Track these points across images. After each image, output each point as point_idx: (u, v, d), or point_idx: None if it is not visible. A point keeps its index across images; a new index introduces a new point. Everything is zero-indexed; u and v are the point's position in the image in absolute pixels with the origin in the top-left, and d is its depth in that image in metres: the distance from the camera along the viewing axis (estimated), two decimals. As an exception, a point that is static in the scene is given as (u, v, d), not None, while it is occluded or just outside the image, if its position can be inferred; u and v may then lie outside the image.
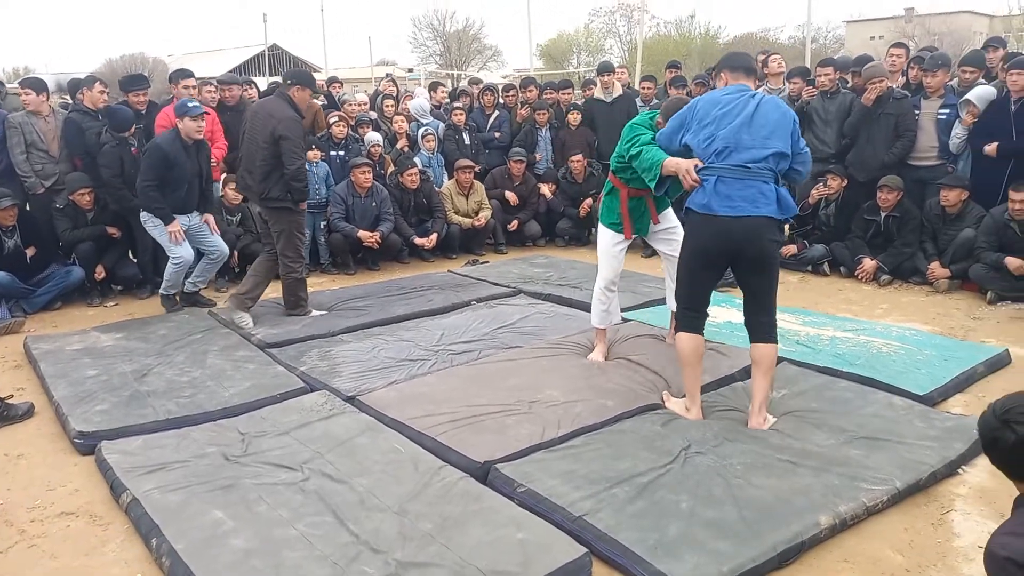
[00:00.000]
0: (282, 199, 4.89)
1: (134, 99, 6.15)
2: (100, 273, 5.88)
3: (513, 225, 7.58)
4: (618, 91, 7.85)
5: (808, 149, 3.30)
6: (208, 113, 5.91)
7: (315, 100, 8.06)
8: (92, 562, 2.61)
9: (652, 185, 3.52)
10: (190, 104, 5.37)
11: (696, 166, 3.20)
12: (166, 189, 5.27)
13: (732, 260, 3.25)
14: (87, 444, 3.38)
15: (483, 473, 2.98)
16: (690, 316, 3.38)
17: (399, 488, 2.85)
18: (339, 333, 4.81)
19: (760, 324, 3.26)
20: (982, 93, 5.71)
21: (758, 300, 3.26)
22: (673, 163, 3.30)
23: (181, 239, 5.34)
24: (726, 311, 4.96)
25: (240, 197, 6.35)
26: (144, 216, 5.39)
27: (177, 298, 5.61)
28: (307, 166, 6.66)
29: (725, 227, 3.11)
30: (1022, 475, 1.93)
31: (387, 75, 11.46)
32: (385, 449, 3.18)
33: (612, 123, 7.53)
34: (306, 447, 3.22)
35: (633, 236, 4.06)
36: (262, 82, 9.08)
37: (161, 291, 5.55)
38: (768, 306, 3.26)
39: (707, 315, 3.41)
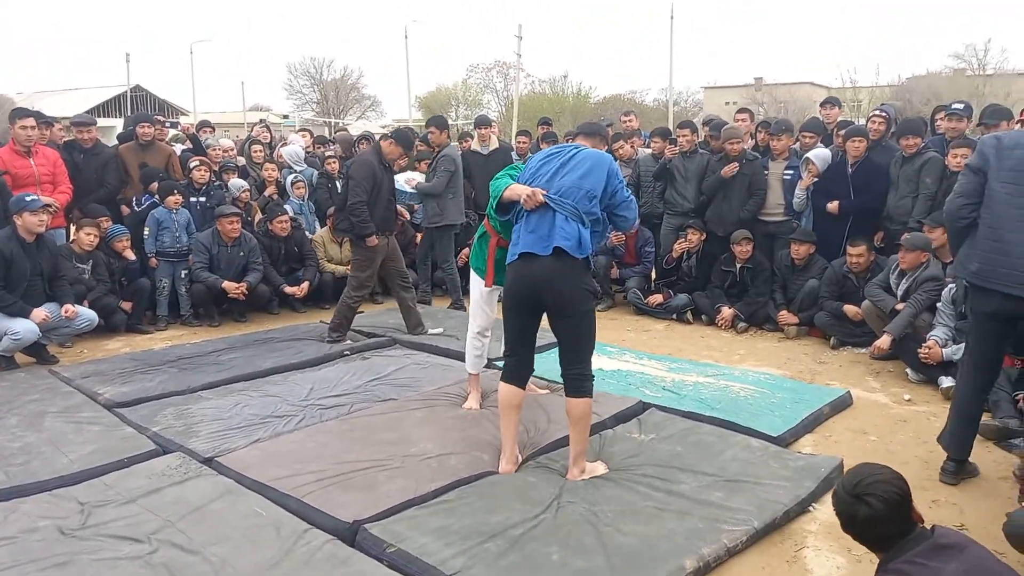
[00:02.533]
0: (347, 230, 5.54)
1: None
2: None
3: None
4: (494, 144, 8.02)
5: (632, 196, 3.50)
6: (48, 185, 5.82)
7: (171, 144, 7.74)
8: None
9: (493, 206, 3.57)
10: (28, 199, 5.08)
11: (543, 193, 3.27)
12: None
13: (539, 304, 3.33)
14: None
15: (351, 534, 2.86)
16: (511, 364, 3.45)
17: (258, 555, 2.68)
18: (199, 389, 4.52)
19: (569, 376, 3.31)
20: (820, 153, 6.29)
21: (565, 349, 3.33)
22: (520, 188, 3.35)
23: (49, 318, 5.06)
24: (596, 358, 5.07)
25: (94, 244, 5.92)
26: None
27: (12, 356, 5.11)
28: (167, 213, 6.36)
29: (527, 269, 3.26)
30: (880, 546, 2.05)
31: (261, 121, 11.18)
32: (245, 513, 2.98)
33: (488, 175, 7.53)
34: (155, 516, 2.97)
35: (494, 286, 4.01)
36: (119, 123, 8.61)
37: (-7, 349, 5.04)
38: (575, 357, 3.29)
39: (530, 367, 3.52)
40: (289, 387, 4.59)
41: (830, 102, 7.71)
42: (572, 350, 3.31)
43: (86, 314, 5.41)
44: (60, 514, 2.99)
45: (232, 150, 8.10)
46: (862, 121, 7.19)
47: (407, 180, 6.82)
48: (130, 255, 6.22)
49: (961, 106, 6.08)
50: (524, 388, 3.48)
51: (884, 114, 6.39)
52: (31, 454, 3.58)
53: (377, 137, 9.36)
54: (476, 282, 4.14)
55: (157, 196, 6.47)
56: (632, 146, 7.60)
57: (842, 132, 6.44)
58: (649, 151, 7.37)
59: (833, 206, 6.03)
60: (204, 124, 9.06)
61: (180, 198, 6.47)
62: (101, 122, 7.27)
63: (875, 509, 1.98)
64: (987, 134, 3.94)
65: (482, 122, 8.59)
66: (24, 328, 4.93)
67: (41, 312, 5.01)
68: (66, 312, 5.18)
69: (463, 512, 2.99)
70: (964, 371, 3.49)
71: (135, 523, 2.91)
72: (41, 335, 5.08)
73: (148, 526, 2.89)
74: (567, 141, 3.77)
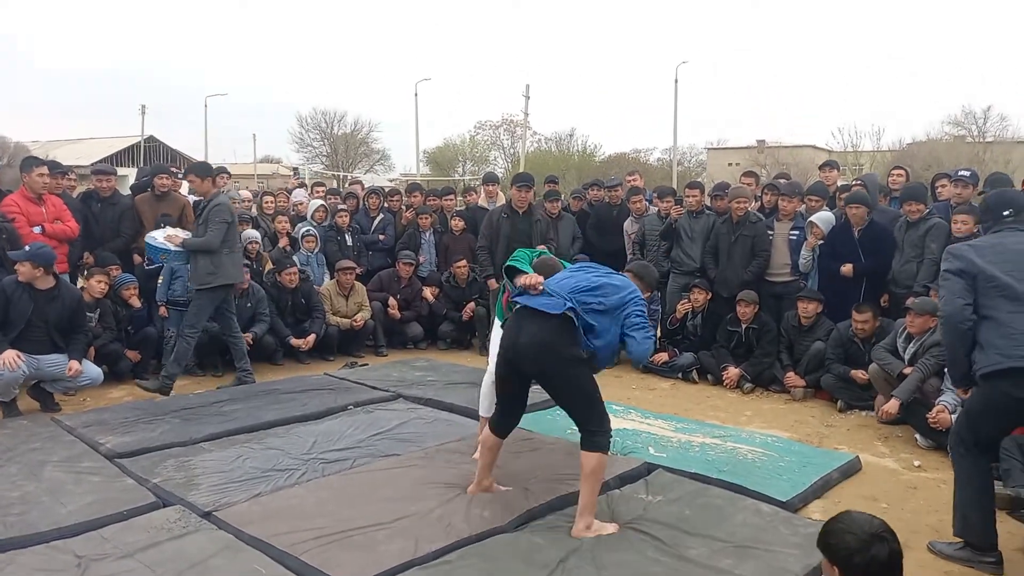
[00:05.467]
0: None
1: None
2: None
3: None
4: (501, 201, 8.13)
5: (647, 325, 3.45)
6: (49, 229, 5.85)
7: (186, 196, 7.83)
8: None
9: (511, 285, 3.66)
10: (28, 248, 5.15)
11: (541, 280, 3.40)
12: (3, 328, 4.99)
13: (524, 373, 3.42)
14: None
15: (351, 595, 2.80)
16: (497, 415, 3.61)
17: (257, 615, 2.61)
18: (200, 441, 4.48)
19: (582, 433, 3.37)
20: (824, 217, 6.36)
21: (568, 413, 3.44)
22: (521, 280, 3.45)
23: (14, 367, 4.90)
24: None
25: (104, 291, 5.94)
26: None
27: (15, 402, 5.09)
28: (181, 262, 6.40)
29: (512, 339, 3.35)
30: None
31: (295, 170, 11.29)
32: (244, 571, 2.93)
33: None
34: (152, 571, 2.91)
35: None
36: (132, 173, 8.74)
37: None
38: (580, 419, 3.37)
39: (516, 421, 3.65)
40: (292, 440, 4.55)
41: (828, 165, 7.86)
42: (570, 412, 3.42)
43: (90, 372, 5.35)
44: (57, 567, 2.94)
45: (249, 201, 8.21)
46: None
47: (167, 237, 5.89)
48: (136, 303, 6.25)
49: (967, 173, 6.16)
50: (504, 438, 3.64)
51: (861, 182, 6.60)
52: (29, 504, 3.53)
53: (386, 190, 9.54)
54: (497, 332, 4.13)
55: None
56: (642, 201, 7.67)
57: (844, 195, 6.52)
58: (655, 209, 7.45)
59: (847, 269, 6.05)
60: (220, 171, 9.10)
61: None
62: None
63: (895, 546, 2.04)
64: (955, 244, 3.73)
65: (490, 179, 8.78)
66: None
67: (10, 353, 4.89)
68: (69, 370, 5.13)
69: (465, 574, 2.93)
70: (971, 454, 3.30)
71: (132, 579, 2.86)
72: (25, 374, 5.00)
73: (145, 582, 2.83)
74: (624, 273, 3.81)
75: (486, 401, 4.21)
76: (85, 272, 6.38)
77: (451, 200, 8.63)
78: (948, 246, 3.62)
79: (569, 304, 3.25)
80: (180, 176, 7.86)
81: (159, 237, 5.89)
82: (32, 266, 5.04)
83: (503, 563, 3.02)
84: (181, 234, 5.90)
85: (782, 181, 7.62)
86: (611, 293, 3.35)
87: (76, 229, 6.13)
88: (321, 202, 8.29)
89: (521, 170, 29.33)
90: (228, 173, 9.20)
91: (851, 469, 4.37)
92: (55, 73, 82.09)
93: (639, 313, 3.39)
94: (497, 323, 4.20)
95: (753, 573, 2.99)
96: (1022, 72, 63.40)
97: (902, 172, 7.26)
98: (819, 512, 3.82)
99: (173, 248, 5.77)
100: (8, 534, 3.21)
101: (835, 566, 2.09)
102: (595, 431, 3.31)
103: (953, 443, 3.41)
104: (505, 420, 3.60)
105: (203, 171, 5.90)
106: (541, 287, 3.36)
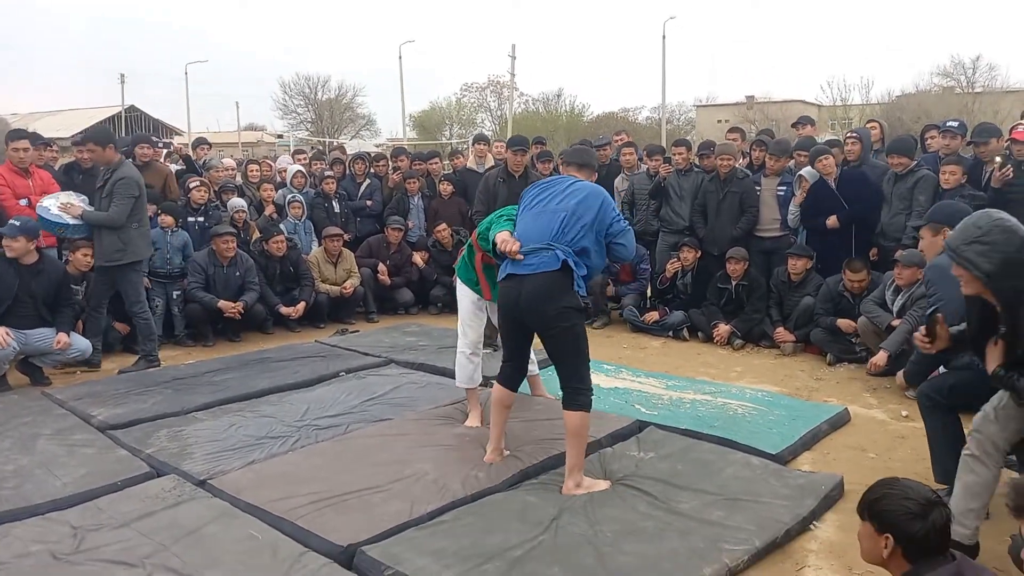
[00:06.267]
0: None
1: None
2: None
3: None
4: (490, 162, 8.06)
5: (626, 223, 3.54)
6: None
7: (168, 165, 7.72)
8: None
9: (488, 248, 3.71)
10: (16, 223, 5.04)
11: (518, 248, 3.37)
12: None
13: (525, 323, 3.44)
14: None
15: (348, 557, 2.83)
16: (506, 369, 3.64)
17: (254, 580, 2.64)
18: (193, 411, 4.48)
19: (565, 390, 3.39)
20: (813, 171, 6.32)
21: (558, 367, 3.43)
22: (499, 238, 3.47)
23: (5, 343, 4.84)
24: (593, 376, 5.05)
25: (90, 264, 5.87)
26: None
27: (5, 377, 5.07)
28: (161, 233, 6.35)
29: (514, 291, 3.36)
30: (931, 555, 2.02)
31: (313, 148, 11.00)
32: (240, 537, 2.94)
33: (484, 192, 7.69)
34: (149, 539, 2.93)
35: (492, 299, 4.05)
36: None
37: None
38: (565, 372, 3.38)
39: (524, 373, 3.75)
40: (284, 407, 4.55)
41: (801, 122, 7.84)
42: (560, 365, 3.42)
43: (79, 344, 5.32)
44: (53, 538, 2.95)
45: (233, 169, 8.10)
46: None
47: (62, 206, 5.31)
48: (123, 275, 6.18)
49: (955, 124, 6.14)
50: (516, 391, 3.67)
51: (857, 135, 6.50)
52: (23, 477, 3.54)
53: (372, 155, 9.42)
54: (463, 296, 4.16)
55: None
56: (633, 155, 7.61)
57: (811, 151, 6.48)
58: (645, 167, 7.40)
59: (832, 220, 6.05)
60: (201, 142, 9.00)
61: (171, 219, 6.45)
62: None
63: (949, 511, 2.03)
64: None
65: (480, 139, 8.67)
66: None
67: (1, 330, 4.86)
68: (58, 343, 5.11)
69: (461, 533, 2.96)
70: (940, 409, 3.31)
71: (129, 547, 2.87)
72: (16, 350, 4.98)
73: (142, 550, 2.85)
74: (560, 164, 3.78)
75: (463, 372, 4.20)
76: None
77: (436, 164, 8.54)
78: (929, 265, 3.53)
79: (563, 257, 3.26)
80: (160, 145, 7.74)
81: (52, 207, 5.29)
82: (27, 240, 4.98)
83: (498, 522, 3.05)
84: (76, 201, 5.40)
85: (767, 138, 7.57)
86: (584, 212, 3.34)
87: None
88: (299, 168, 8.16)
89: (509, 132, 29.07)
90: (208, 143, 9.08)
91: (840, 421, 4.43)
92: (34, 42, 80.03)
93: (616, 219, 3.42)
94: (462, 290, 4.15)
95: (743, 524, 3.04)
96: (1011, 21, 62.94)
97: (876, 125, 7.26)
98: (809, 464, 3.87)
99: (71, 221, 5.31)
100: (3, 507, 3.22)
101: (888, 535, 2.02)
102: (579, 388, 3.34)
103: (922, 397, 3.41)
104: (514, 373, 3.64)
105: (103, 138, 5.47)
106: (520, 256, 3.33)
